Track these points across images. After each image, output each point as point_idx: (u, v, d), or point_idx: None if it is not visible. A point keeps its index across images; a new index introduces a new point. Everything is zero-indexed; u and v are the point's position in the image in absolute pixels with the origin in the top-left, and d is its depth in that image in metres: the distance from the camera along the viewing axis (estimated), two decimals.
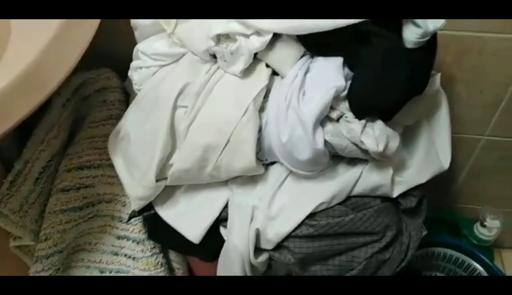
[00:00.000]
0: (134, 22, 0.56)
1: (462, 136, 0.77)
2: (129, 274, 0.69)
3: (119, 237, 0.68)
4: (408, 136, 0.56)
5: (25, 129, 0.64)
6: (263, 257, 0.55)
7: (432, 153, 0.56)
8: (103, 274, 0.70)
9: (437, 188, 0.61)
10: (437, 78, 0.56)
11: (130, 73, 0.58)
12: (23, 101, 0.45)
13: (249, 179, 0.55)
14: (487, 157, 0.81)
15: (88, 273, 0.70)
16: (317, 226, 0.51)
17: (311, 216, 0.51)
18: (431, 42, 0.47)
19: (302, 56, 0.49)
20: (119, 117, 0.66)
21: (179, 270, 0.73)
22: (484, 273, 0.81)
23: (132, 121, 0.56)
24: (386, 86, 0.45)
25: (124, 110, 0.66)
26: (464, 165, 0.83)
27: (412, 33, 0.44)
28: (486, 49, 0.65)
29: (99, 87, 0.68)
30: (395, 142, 0.47)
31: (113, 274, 0.70)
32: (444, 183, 0.86)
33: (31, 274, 0.63)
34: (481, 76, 0.69)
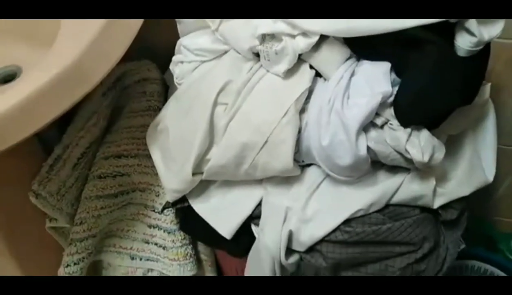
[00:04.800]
0: None
1: (506, 148, 0.74)
2: (159, 262, 0.71)
3: (150, 226, 0.69)
4: (452, 146, 0.54)
5: (66, 115, 0.65)
6: (293, 258, 0.55)
7: (476, 165, 0.54)
8: (134, 260, 0.72)
9: (475, 199, 0.59)
10: (487, 88, 0.54)
11: (171, 66, 0.58)
12: (70, 92, 0.46)
13: (284, 179, 0.54)
14: None
15: (119, 259, 0.72)
16: (352, 233, 0.50)
17: (346, 221, 0.50)
18: (483, 51, 0.45)
19: (347, 59, 0.48)
20: (157, 109, 0.67)
21: (207, 262, 0.73)
22: None
23: (171, 115, 0.56)
24: (435, 95, 0.44)
25: (163, 102, 0.66)
26: (505, 177, 0.80)
27: (466, 41, 0.42)
28: None
29: (139, 78, 0.69)
30: (440, 153, 0.45)
31: (143, 261, 0.71)
32: (483, 194, 0.82)
33: (64, 255, 0.65)
34: None
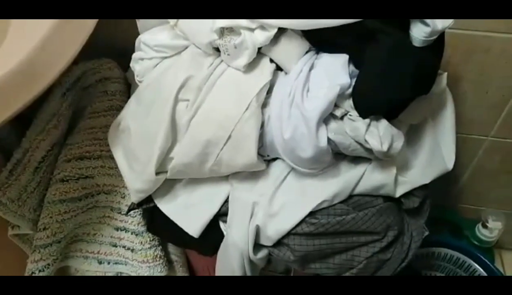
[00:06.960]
0: None
1: (467, 137, 0.77)
2: (128, 265, 0.69)
3: (118, 229, 0.68)
4: (412, 135, 0.55)
5: (25, 118, 0.63)
6: (262, 253, 0.55)
7: (436, 153, 0.56)
8: (102, 264, 0.70)
9: (440, 188, 0.60)
10: (443, 77, 0.55)
11: (132, 64, 0.57)
12: (22, 91, 0.44)
13: (250, 175, 0.54)
14: (491, 158, 0.80)
15: (86, 264, 0.70)
16: (317, 224, 0.50)
17: (312, 214, 0.51)
18: (438, 41, 0.46)
19: (307, 52, 0.48)
20: (119, 108, 0.65)
21: (178, 263, 0.73)
22: (484, 274, 0.81)
23: (133, 114, 0.55)
24: (392, 85, 0.45)
25: (125, 101, 0.65)
26: (467, 165, 0.83)
27: (420, 31, 0.43)
28: (493, 49, 0.64)
29: (100, 78, 0.67)
30: (399, 142, 0.46)
31: (111, 265, 0.70)
32: (447, 182, 0.85)
33: (29, 263, 0.63)
34: (488, 76, 0.68)
